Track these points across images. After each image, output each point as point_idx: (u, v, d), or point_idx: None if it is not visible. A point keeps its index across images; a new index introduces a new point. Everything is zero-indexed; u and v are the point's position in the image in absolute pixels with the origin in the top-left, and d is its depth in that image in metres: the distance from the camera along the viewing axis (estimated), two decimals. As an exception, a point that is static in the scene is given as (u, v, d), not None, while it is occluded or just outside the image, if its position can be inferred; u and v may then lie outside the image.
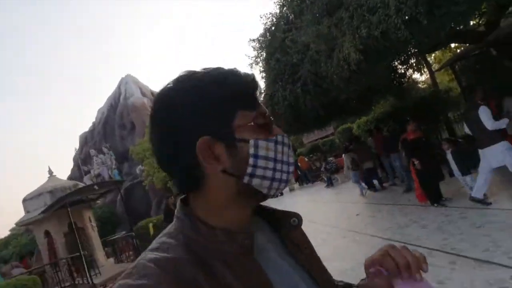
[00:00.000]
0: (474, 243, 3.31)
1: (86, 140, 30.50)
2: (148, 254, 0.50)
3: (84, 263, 8.84)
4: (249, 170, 0.53)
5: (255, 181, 0.53)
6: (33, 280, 8.13)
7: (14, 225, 12.34)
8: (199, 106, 0.52)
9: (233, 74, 0.55)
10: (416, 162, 4.92)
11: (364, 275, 0.63)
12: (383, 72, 4.72)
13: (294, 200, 12.61)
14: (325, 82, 5.20)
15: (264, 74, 7.06)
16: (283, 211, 0.65)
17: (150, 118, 0.55)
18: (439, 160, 5.37)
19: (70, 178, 25.28)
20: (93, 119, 31.63)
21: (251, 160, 0.52)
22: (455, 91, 8.45)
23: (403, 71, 8.98)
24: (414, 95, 8.88)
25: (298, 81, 5.58)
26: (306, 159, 15.76)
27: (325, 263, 0.67)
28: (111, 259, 11.54)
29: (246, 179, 0.53)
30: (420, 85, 12.66)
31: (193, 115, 0.52)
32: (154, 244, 0.53)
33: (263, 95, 7.00)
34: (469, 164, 4.57)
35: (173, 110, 0.53)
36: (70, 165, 31.04)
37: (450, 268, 2.99)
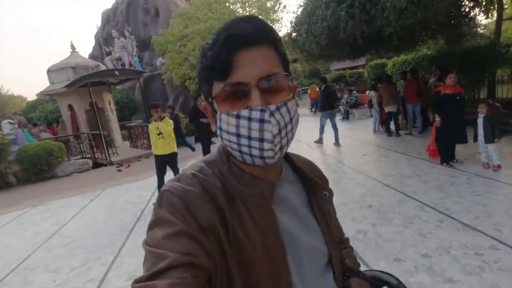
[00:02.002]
0: (468, 208, 3.43)
1: (108, 18, 29.22)
2: (192, 171, 0.61)
3: (103, 141, 9.64)
4: (220, 140, 0.59)
5: (230, 150, 0.59)
6: (59, 147, 9.05)
7: (39, 92, 13.00)
8: (200, 73, 0.59)
9: (216, 40, 0.54)
10: (437, 119, 4.69)
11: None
12: (446, 6, 4.01)
13: (305, 126, 12.68)
14: (375, 9, 4.54)
15: (309, -16, 6.14)
16: (318, 182, 0.71)
17: None
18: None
19: (91, 56, 25.37)
20: (116, -4, 29.61)
21: (218, 131, 0.58)
22: (519, 46, 7.34)
23: (467, 10, 7.72)
24: (466, 42, 7.81)
25: (345, 1, 4.87)
26: (317, 88, 15.05)
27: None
28: (127, 142, 12.52)
29: (224, 146, 0.61)
30: (480, 30, 11.03)
31: (199, 78, 0.61)
32: (196, 165, 0.64)
33: (300, 10, 6.25)
34: (497, 132, 4.33)
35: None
36: (92, 42, 30.65)
37: (435, 225, 3.17)
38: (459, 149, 5.05)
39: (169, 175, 5.04)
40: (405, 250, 2.82)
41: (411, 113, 7.23)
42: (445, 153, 4.87)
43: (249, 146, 0.54)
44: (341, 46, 6.29)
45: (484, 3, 7.39)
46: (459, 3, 7.14)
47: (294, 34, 6.67)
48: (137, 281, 0.47)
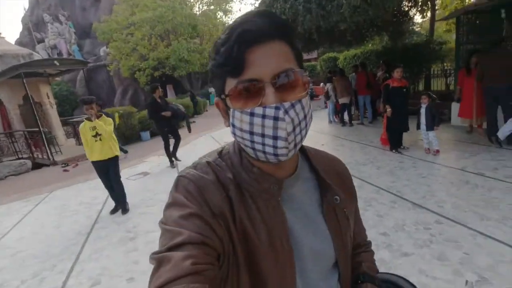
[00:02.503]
0: (415, 189, 3.83)
1: (38, 0, 25.98)
2: (207, 160, 0.64)
3: (44, 139, 8.67)
4: (233, 136, 0.59)
5: (243, 147, 0.60)
6: (-12, 147, 7.92)
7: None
8: (212, 69, 0.58)
9: (230, 36, 0.53)
10: (388, 110, 5.13)
11: None
12: (394, 6, 4.38)
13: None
14: (331, 5, 4.75)
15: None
16: (330, 184, 0.67)
17: None
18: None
19: (19, 43, 22.40)
20: (47, -24, 26.38)
21: (230, 128, 0.58)
22: (448, 44, 8.34)
23: (406, 9, 8.48)
24: (406, 39, 8.61)
25: (303, -4, 5.01)
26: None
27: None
28: (72, 140, 11.43)
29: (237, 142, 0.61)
30: (416, 29, 12.19)
31: (211, 74, 0.59)
32: (211, 155, 0.66)
33: (258, 2, 6.26)
34: (436, 121, 4.87)
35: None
36: (18, 27, 27.06)
37: (390, 206, 3.50)
38: (405, 136, 5.58)
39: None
40: (366, 231, 3.03)
41: (363, 104, 7.78)
42: (393, 140, 5.36)
43: (263, 144, 0.53)
44: (298, 40, 6.48)
45: (420, 3, 8.18)
46: (399, 2, 7.81)
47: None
48: (155, 253, 0.50)
